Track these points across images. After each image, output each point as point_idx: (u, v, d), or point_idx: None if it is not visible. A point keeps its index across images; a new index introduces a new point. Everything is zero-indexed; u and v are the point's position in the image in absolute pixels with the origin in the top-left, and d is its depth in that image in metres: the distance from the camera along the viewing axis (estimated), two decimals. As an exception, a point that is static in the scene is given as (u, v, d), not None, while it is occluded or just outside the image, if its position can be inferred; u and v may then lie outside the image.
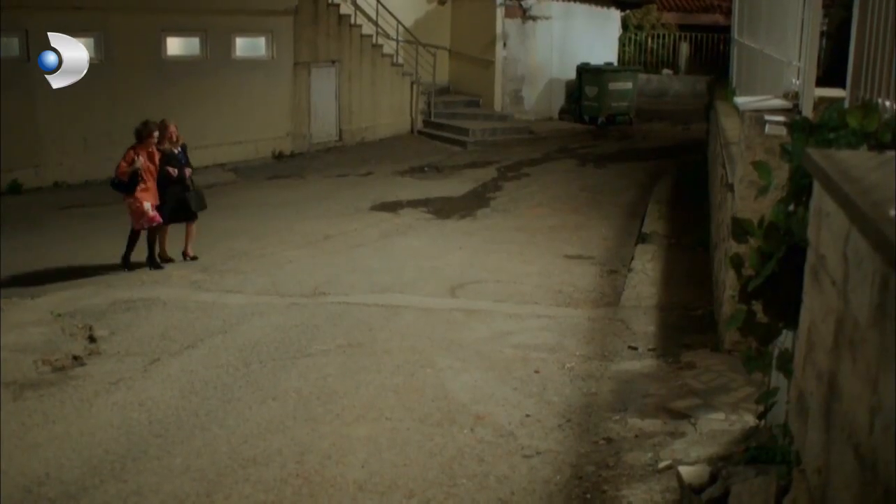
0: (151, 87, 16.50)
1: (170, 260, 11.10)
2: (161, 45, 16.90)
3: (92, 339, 7.87)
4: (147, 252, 10.96)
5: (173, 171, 11.09)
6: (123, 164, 10.87)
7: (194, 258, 11.20)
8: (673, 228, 12.04)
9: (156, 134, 11.06)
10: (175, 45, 17.29)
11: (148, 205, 10.83)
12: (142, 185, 10.86)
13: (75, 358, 7.37)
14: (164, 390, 6.71)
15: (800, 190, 3.70)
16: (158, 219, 10.91)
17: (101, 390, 6.71)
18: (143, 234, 10.88)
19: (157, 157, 11.07)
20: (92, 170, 15.77)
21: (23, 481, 5.33)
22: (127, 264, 10.80)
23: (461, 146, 19.89)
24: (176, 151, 11.37)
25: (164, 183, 11.12)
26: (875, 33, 4.27)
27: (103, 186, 15.39)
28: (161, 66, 16.82)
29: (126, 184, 10.82)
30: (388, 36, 21.32)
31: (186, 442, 5.84)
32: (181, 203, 11.22)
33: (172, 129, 11.45)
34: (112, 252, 11.05)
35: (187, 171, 11.39)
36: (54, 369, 7.14)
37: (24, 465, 5.53)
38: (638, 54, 29.26)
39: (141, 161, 10.84)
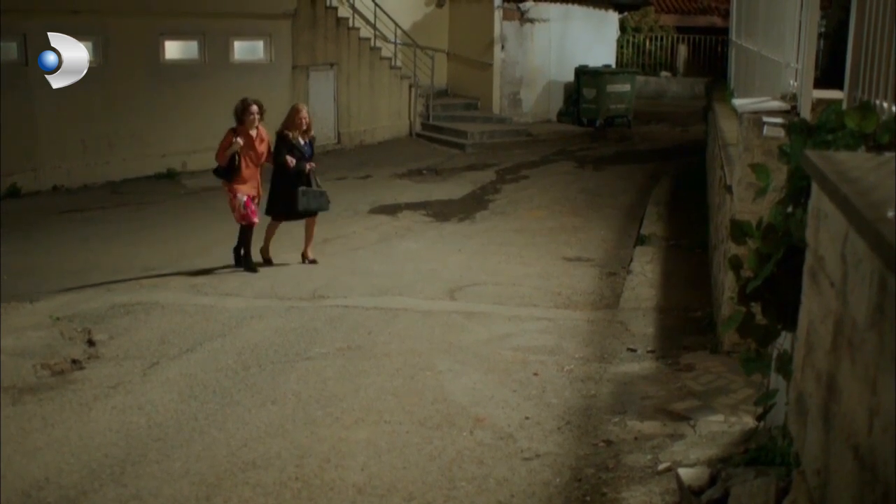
0: (150, 90, 16.53)
1: (268, 262, 10.56)
2: (159, 49, 16.92)
3: (91, 342, 7.86)
4: (241, 249, 10.39)
5: (291, 161, 10.21)
6: (222, 148, 10.18)
7: (313, 261, 10.63)
8: (672, 230, 12.04)
9: (254, 111, 10.18)
10: (173, 49, 17.31)
11: (242, 197, 10.14)
12: (240, 173, 10.15)
13: (74, 362, 7.36)
14: (164, 394, 6.71)
15: (798, 191, 3.71)
16: (252, 218, 10.23)
17: (100, 394, 6.70)
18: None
19: (259, 141, 10.27)
20: (90, 174, 15.82)
21: (22, 486, 5.32)
22: (238, 260, 10.36)
23: (459, 149, 19.90)
24: (302, 141, 10.48)
25: (280, 174, 10.36)
26: (873, 34, 4.28)
27: (102, 190, 15.49)
28: (159, 69, 16.84)
29: (226, 170, 10.20)
30: (386, 39, 21.34)
31: (186, 446, 5.84)
32: (292, 199, 10.33)
33: (304, 115, 10.49)
34: (110, 256, 11.04)
35: (308, 166, 10.47)
36: (53, 373, 7.14)
37: (23, 469, 5.52)
38: (636, 56, 29.31)
39: (240, 143, 10.08)
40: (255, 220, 10.34)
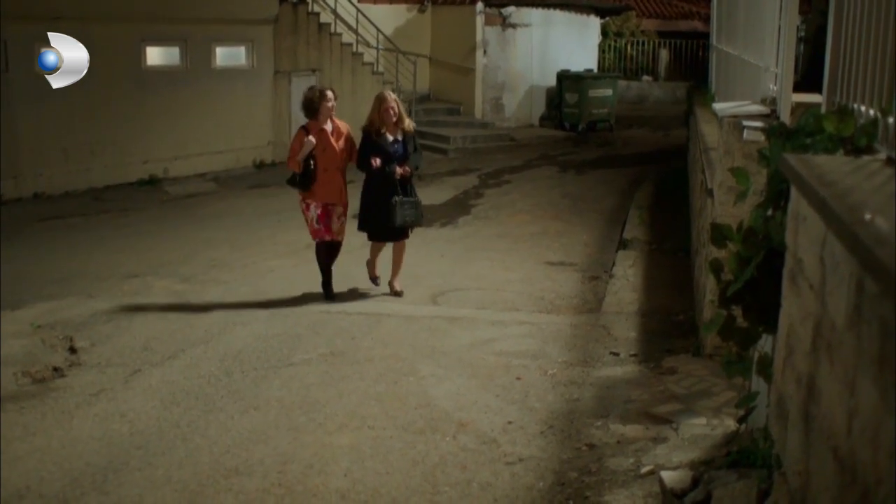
0: (131, 96, 16.48)
1: (374, 280, 9.34)
2: (141, 55, 16.87)
3: (72, 350, 7.82)
4: (322, 276, 9.07)
5: (375, 162, 8.57)
6: (293, 153, 8.65)
7: (398, 293, 9.24)
8: (654, 234, 12.08)
9: (330, 104, 8.62)
10: (155, 55, 17.27)
11: (316, 210, 8.76)
12: (315, 179, 8.62)
13: (56, 369, 7.31)
14: (146, 401, 6.68)
15: (777, 195, 3.72)
16: (324, 235, 8.87)
17: (82, 402, 6.67)
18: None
19: (336, 137, 8.74)
20: (72, 181, 15.75)
21: (2, 494, 5.29)
22: (326, 292, 9.07)
23: (442, 154, 19.91)
24: (391, 138, 8.78)
25: (370, 181, 8.81)
26: (850, 39, 4.30)
27: (84, 197, 15.42)
28: (141, 75, 16.80)
29: (302, 176, 8.62)
30: (368, 44, 21.34)
31: (168, 453, 5.81)
32: (385, 213, 8.73)
33: (390, 104, 8.71)
34: (92, 263, 10.98)
35: (399, 170, 8.68)
36: (35, 381, 7.09)
37: (3, 478, 5.49)
38: (618, 61, 29.41)
39: (313, 142, 8.52)
40: (330, 237, 9.00)
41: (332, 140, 8.80)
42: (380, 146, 8.76)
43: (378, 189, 8.81)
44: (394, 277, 9.43)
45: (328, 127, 8.81)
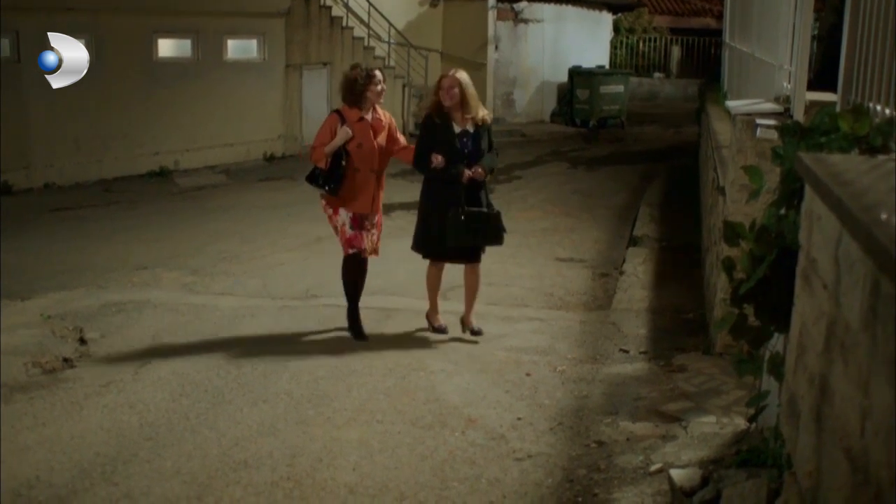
0: (143, 88, 16.51)
1: (439, 329, 7.73)
2: (152, 47, 16.90)
3: (82, 341, 7.83)
4: (349, 303, 7.52)
5: (436, 160, 6.84)
6: (319, 143, 7.02)
7: (477, 332, 7.52)
8: (664, 231, 12.05)
9: (379, 88, 6.97)
10: (166, 47, 17.30)
11: (345, 216, 7.19)
12: (346, 180, 7.02)
13: (65, 360, 7.32)
14: (155, 393, 6.68)
15: (791, 193, 3.71)
16: (361, 244, 7.31)
17: (92, 393, 6.68)
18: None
19: (379, 130, 7.12)
20: (83, 172, 15.78)
21: (12, 485, 5.30)
22: (353, 325, 7.52)
23: (453, 149, 19.89)
24: (458, 129, 7.00)
25: (430, 185, 7.24)
26: (867, 37, 4.28)
27: (94, 188, 15.45)
28: (152, 67, 16.82)
29: (327, 174, 6.97)
30: (379, 38, 21.34)
31: (177, 445, 5.82)
32: (456, 226, 6.97)
33: (448, 82, 6.90)
34: (102, 254, 11.00)
35: (467, 173, 6.93)
36: (44, 372, 7.10)
37: (13, 468, 5.50)
38: (629, 57, 29.39)
39: (349, 133, 6.89)
40: (364, 247, 7.43)
41: (372, 134, 7.13)
42: (444, 139, 6.98)
43: (440, 196, 7.11)
44: (468, 312, 7.69)
45: (369, 117, 7.14)
